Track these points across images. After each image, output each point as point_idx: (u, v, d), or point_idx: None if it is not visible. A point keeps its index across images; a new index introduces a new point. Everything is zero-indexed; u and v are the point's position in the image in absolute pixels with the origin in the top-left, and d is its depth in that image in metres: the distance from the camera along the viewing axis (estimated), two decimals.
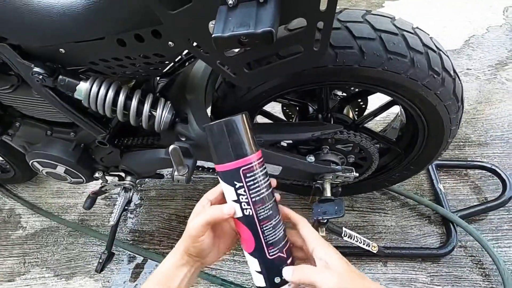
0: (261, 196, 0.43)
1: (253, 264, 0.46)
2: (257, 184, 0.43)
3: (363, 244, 0.93)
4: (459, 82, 0.70)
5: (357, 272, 0.42)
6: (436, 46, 0.67)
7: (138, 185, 1.31)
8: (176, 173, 0.66)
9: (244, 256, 0.48)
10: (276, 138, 0.73)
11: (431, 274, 0.97)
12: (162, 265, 0.48)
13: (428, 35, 0.68)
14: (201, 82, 0.75)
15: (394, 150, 0.91)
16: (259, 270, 0.45)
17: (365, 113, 0.90)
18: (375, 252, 0.95)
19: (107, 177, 0.95)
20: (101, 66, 0.62)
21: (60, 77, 0.64)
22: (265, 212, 0.44)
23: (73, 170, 0.86)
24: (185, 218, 1.21)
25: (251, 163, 0.43)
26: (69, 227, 1.23)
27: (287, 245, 0.46)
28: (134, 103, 0.67)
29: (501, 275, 0.90)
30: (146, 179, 1.34)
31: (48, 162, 0.84)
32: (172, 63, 0.75)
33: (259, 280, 0.45)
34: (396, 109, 1.00)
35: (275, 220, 0.45)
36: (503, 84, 1.41)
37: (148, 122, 0.69)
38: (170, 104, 0.71)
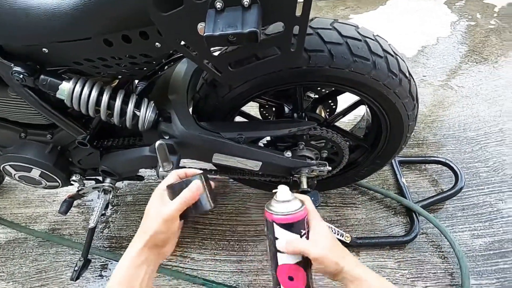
0: None
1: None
2: None
3: (338, 234, 0.99)
4: (413, 82, 0.80)
5: (340, 245, 0.53)
6: (393, 51, 0.76)
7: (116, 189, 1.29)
8: (161, 169, 0.68)
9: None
10: (256, 135, 0.78)
11: (398, 260, 1.05)
12: (120, 264, 0.48)
13: (387, 41, 0.77)
14: (183, 83, 0.78)
15: (362, 146, 1.00)
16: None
17: (336, 113, 0.98)
18: (348, 242, 1.02)
19: (84, 181, 0.94)
20: (85, 65, 0.63)
21: (42, 76, 0.64)
22: None
23: (49, 174, 0.84)
24: None
25: None
26: (38, 237, 1.18)
27: None
28: (118, 102, 0.69)
29: (457, 256, 1.01)
30: (121, 185, 1.32)
31: (22, 165, 0.82)
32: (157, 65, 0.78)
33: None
34: (361, 112, 1.10)
35: None
36: (452, 89, 1.59)
37: (132, 121, 0.71)
38: (153, 104, 0.73)
